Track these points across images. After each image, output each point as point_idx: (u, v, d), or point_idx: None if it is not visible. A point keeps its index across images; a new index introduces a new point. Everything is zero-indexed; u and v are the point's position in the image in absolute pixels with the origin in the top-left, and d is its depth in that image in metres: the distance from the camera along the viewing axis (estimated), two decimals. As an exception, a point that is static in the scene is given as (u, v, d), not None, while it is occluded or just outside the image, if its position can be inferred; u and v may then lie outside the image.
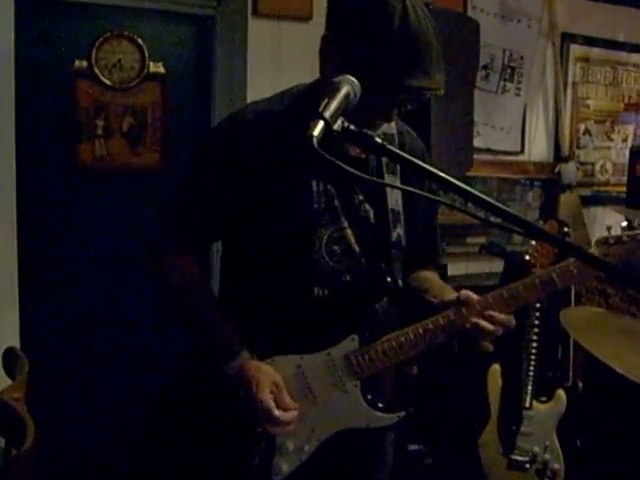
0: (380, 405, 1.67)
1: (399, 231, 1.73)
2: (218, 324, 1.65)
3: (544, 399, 2.93)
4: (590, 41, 4.23)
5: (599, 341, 2.33)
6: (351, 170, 1.17)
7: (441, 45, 1.52)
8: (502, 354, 2.90)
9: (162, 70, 3.33)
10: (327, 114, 1.22)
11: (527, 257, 2.94)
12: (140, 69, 3.27)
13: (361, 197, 1.67)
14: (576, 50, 4.20)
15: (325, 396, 1.65)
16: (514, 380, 2.92)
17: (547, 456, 2.86)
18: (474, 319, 1.59)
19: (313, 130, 1.18)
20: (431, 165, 1.61)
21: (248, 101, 3.31)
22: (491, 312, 1.60)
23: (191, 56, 3.40)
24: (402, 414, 1.67)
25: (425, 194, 1.44)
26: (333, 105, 1.24)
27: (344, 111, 1.26)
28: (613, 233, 1.63)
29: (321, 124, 1.20)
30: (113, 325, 3.30)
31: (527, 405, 2.87)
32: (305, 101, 1.61)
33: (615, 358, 2.18)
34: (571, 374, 3.15)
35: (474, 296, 1.63)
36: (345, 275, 1.66)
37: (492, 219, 1.24)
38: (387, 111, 1.56)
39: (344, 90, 1.29)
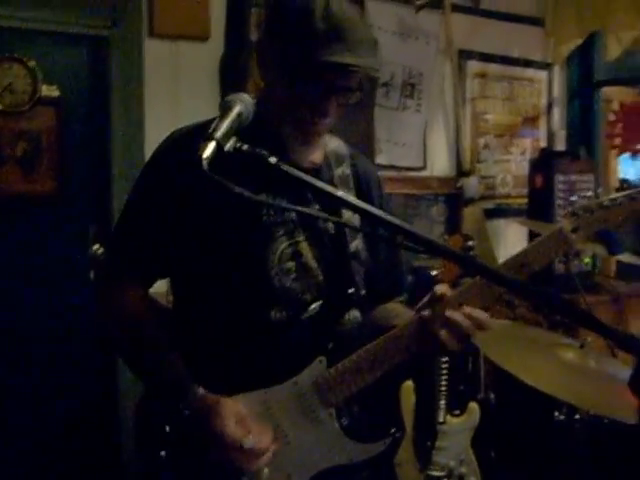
0: (361, 434, 1.57)
1: (357, 243, 1.68)
2: (166, 360, 1.55)
3: (457, 413, 3.01)
4: (486, 57, 4.41)
5: (508, 354, 2.42)
6: (246, 193, 1.18)
7: (373, 35, 1.55)
8: (414, 370, 2.98)
9: (56, 93, 3.30)
10: (218, 135, 1.23)
11: (434, 272, 3.01)
12: (32, 93, 3.23)
13: (317, 207, 1.61)
14: (473, 66, 4.37)
15: (298, 433, 1.53)
16: (427, 395, 2.99)
17: (463, 469, 2.94)
18: (452, 315, 1.48)
19: (203, 152, 1.19)
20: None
21: (146, 123, 3.31)
22: (469, 308, 1.50)
23: (86, 78, 3.39)
24: (388, 440, 1.59)
25: (349, 224, 1.51)
26: (224, 125, 1.26)
27: (236, 130, 1.27)
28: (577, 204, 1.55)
29: (212, 145, 1.21)
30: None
31: (441, 420, 2.94)
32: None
33: (524, 370, 2.27)
34: (482, 386, 3.23)
35: (449, 290, 1.53)
36: (304, 294, 1.58)
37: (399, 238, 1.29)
38: (323, 103, 1.51)
39: (236, 109, 1.30)
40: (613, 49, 4.55)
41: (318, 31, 1.47)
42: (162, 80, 3.38)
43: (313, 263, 1.60)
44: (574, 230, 1.49)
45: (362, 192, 1.71)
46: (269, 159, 1.27)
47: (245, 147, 1.27)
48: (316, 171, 1.62)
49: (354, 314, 1.65)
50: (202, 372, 1.52)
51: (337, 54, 1.45)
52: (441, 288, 1.52)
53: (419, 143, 4.19)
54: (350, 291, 1.63)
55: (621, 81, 4.93)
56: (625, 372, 2.40)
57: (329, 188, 1.33)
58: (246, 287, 1.55)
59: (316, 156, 1.65)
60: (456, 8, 4.14)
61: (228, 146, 1.24)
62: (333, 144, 1.72)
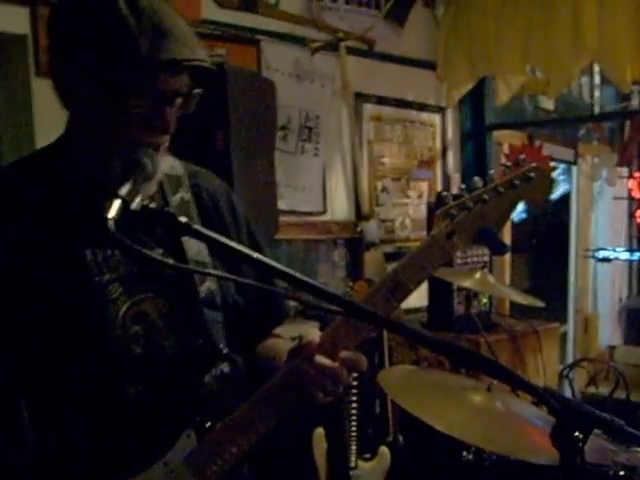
0: None
1: (209, 285, 1.47)
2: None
3: (368, 456, 3.01)
4: (382, 100, 4.51)
5: (416, 398, 2.43)
6: (154, 257, 1.12)
7: (189, 27, 1.37)
8: (324, 417, 2.96)
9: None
10: (123, 192, 1.16)
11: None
12: None
13: (161, 251, 1.41)
14: (369, 109, 4.45)
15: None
16: (338, 441, 2.98)
17: (377, 514, 2.94)
18: (321, 361, 1.34)
19: (108, 211, 1.10)
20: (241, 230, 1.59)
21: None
22: (343, 353, 1.36)
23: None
24: None
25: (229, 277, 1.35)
26: (131, 183, 1.19)
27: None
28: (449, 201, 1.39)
29: (117, 204, 1.13)
30: None
31: (353, 465, 2.93)
32: (51, 162, 1.41)
33: (433, 415, 2.28)
34: (391, 429, 3.25)
35: (317, 336, 1.37)
36: (157, 359, 1.38)
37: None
38: (159, 112, 1.31)
39: (142, 163, 1.25)
40: (503, 94, 4.73)
41: (131, 28, 1.25)
42: (52, 119, 3.27)
43: (161, 323, 1.40)
44: (450, 235, 1.33)
45: (209, 218, 1.51)
46: (179, 218, 1.18)
47: (152, 205, 1.18)
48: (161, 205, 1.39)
49: (220, 369, 1.46)
50: (69, 464, 1.38)
51: (163, 50, 1.26)
52: (311, 332, 1.38)
53: (318, 187, 4.23)
54: (209, 347, 1.44)
55: (510, 125, 5.13)
56: (530, 411, 2.46)
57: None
58: (91, 365, 1.34)
59: (148, 185, 1.41)
60: (351, 51, 4.22)
61: (135, 205, 1.15)
62: (166, 166, 1.45)
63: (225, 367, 1.48)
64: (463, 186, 1.38)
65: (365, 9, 4.38)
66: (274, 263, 1.17)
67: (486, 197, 1.32)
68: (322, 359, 1.33)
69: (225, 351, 1.48)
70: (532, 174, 1.36)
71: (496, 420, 2.32)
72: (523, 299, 3.24)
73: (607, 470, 2.26)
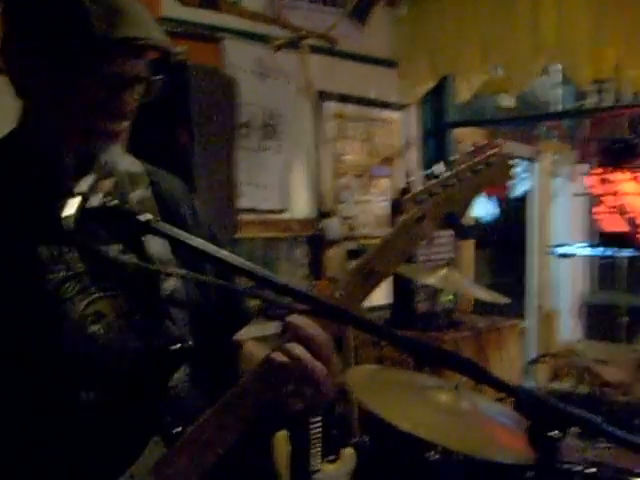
0: None
1: (173, 283, 1.40)
2: None
3: (332, 459, 3.00)
4: (344, 98, 4.50)
5: (382, 398, 2.44)
6: (112, 256, 1.09)
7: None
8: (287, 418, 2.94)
9: None
10: (82, 188, 1.12)
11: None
12: None
13: (120, 247, 1.34)
14: (331, 107, 4.44)
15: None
16: (301, 443, 2.96)
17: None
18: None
19: (64, 210, 1.07)
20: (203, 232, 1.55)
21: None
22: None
23: None
24: None
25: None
26: (90, 179, 1.15)
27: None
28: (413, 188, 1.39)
29: (76, 201, 1.10)
30: None
31: (316, 468, 2.92)
32: (1, 156, 1.34)
33: (399, 415, 2.29)
34: (356, 430, 3.25)
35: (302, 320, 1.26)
36: (117, 361, 1.29)
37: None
38: (115, 97, 1.26)
39: (102, 159, 1.21)
40: (463, 92, 4.76)
41: (85, 6, 1.20)
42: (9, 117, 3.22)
43: (121, 322, 1.31)
44: (419, 220, 1.34)
45: (170, 217, 1.41)
46: (139, 217, 1.15)
47: (113, 203, 1.14)
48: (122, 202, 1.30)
49: (185, 371, 1.37)
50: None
51: (120, 29, 1.20)
52: (294, 318, 1.26)
53: (280, 185, 4.21)
54: (173, 347, 1.36)
55: (471, 122, 5.16)
56: (496, 409, 2.48)
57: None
58: (44, 368, 1.23)
59: (106, 181, 1.36)
60: (314, 49, 4.22)
61: (95, 202, 1.11)
62: (125, 163, 1.41)
63: (192, 367, 1.39)
64: (428, 171, 1.40)
65: (327, 7, 4.39)
66: (238, 260, 1.14)
67: (452, 182, 1.36)
68: (300, 348, 1.23)
69: (192, 349, 1.39)
70: (493, 160, 1.41)
71: (462, 419, 2.33)
72: (487, 296, 3.27)
73: (576, 467, 2.28)
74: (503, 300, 3.29)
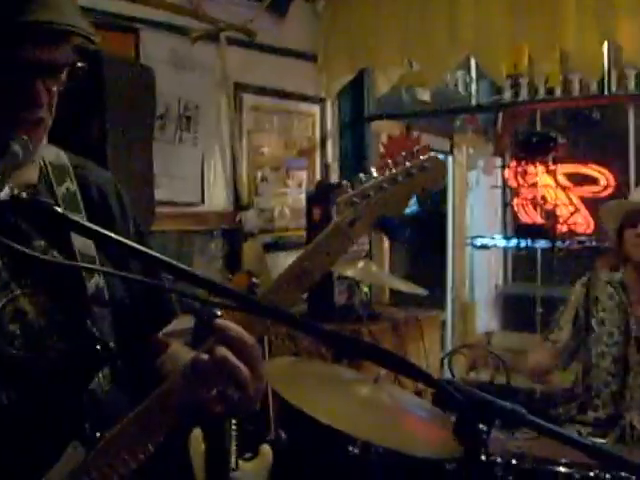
0: None
1: (98, 281, 1.35)
2: None
3: (249, 456, 2.97)
4: (262, 91, 4.49)
5: (300, 391, 2.43)
6: (25, 252, 1.05)
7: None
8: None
9: None
10: None
11: (219, 312, 2.96)
12: None
13: (43, 243, 1.29)
14: (249, 99, 4.42)
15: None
16: (217, 442, 2.92)
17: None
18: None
19: None
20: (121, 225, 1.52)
21: None
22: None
23: None
24: None
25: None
26: None
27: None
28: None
29: None
30: None
31: (233, 466, 2.88)
32: None
33: (318, 408, 2.29)
34: (273, 425, 3.23)
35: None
36: (36, 362, 1.24)
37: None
38: (30, 85, 1.21)
39: (12, 149, 1.16)
40: (381, 85, 4.80)
41: None
42: None
43: (42, 321, 1.26)
44: (352, 222, 1.35)
45: (96, 210, 1.41)
46: (55, 208, 1.12)
47: (24, 195, 1.10)
48: (32, 194, 1.24)
49: (106, 373, 1.33)
50: None
51: (33, 13, 1.15)
52: (222, 322, 1.23)
53: (196, 177, 4.17)
54: (95, 348, 1.31)
55: (388, 116, 5.21)
56: (415, 402, 2.50)
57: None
58: None
59: (30, 173, 1.33)
60: (232, 41, 4.20)
61: (3, 194, 1.08)
62: (50, 155, 1.38)
63: (115, 368, 1.35)
64: (361, 175, 1.41)
65: (246, 0, 4.35)
66: (163, 257, 1.12)
67: (385, 185, 1.37)
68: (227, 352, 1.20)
69: (115, 350, 1.35)
70: (427, 164, 1.43)
71: (382, 412, 2.35)
72: (405, 287, 3.30)
73: (497, 459, 2.32)
74: (421, 291, 3.33)
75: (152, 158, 3.50)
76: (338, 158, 5.05)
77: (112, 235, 1.15)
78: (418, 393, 2.76)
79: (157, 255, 1.13)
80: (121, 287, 1.42)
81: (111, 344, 1.34)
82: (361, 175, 1.40)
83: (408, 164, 1.38)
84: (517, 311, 6.29)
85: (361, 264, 3.26)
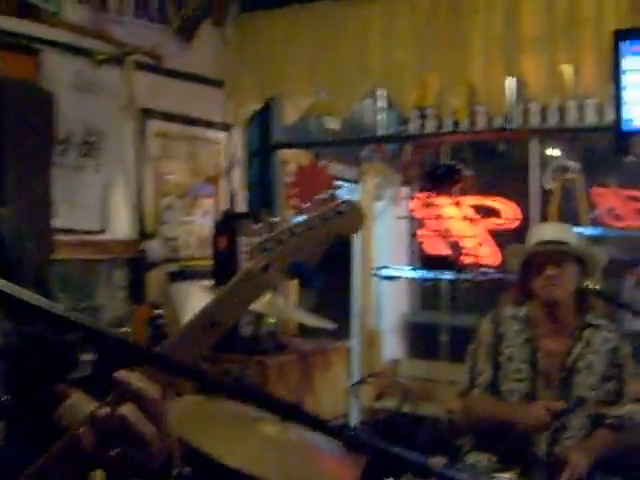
0: None
1: None
2: None
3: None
4: (168, 117, 4.43)
5: (205, 433, 2.36)
6: None
7: None
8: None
9: None
10: None
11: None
12: None
13: None
14: (155, 125, 4.35)
15: None
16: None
17: None
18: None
19: None
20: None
21: None
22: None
23: None
24: None
25: None
26: None
27: None
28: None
29: None
30: None
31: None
32: None
33: (225, 450, 2.22)
34: (177, 461, 3.12)
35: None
36: None
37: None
38: None
39: None
40: (290, 114, 4.80)
41: None
42: None
43: None
44: (265, 269, 1.28)
45: None
46: None
47: None
48: None
49: (0, 428, 1.26)
50: None
51: None
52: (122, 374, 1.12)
53: (99, 205, 4.05)
54: None
55: (296, 145, 5.21)
56: (325, 440, 2.46)
57: None
58: None
59: None
60: (138, 65, 4.13)
61: None
62: None
63: (10, 422, 1.28)
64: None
65: (154, 24, 4.33)
66: (62, 310, 1.04)
67: (299, 230, 1.32)
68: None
69: (9, 403, 1.27)
70: (343, 209, 1.38)
71: (289, 451, 2.30)
72: (312, 321, 3.26)
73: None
74: (329, 325, 3.30)
75: (50, 184, 3.39)
76: (245, 187, 5.01)
77: (15, 290, 1.03)
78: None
79: (56, 309, 1.04)
80: (19, 339, 1.32)
81: (4, 398, 1.26)
82: (274, 219, 1.36)
83: (324, 208, 1.34)
84: (423, 339, 6.33)
85: (267, 297, 3.20)
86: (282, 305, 3.28)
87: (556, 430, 2.92)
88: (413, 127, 4.86)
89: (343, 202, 1.35)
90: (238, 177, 4.97)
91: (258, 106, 4.80)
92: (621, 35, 3.47)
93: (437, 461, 2.90)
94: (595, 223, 5.13)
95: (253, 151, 5.05)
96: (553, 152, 4.91)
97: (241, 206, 4.90)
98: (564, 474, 2.73)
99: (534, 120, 4.37)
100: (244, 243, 4.05)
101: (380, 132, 5.06)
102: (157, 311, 3.19)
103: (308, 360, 4.20)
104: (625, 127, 3.49)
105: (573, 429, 2.93)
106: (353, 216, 1.37)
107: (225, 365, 3.86)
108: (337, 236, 1.37)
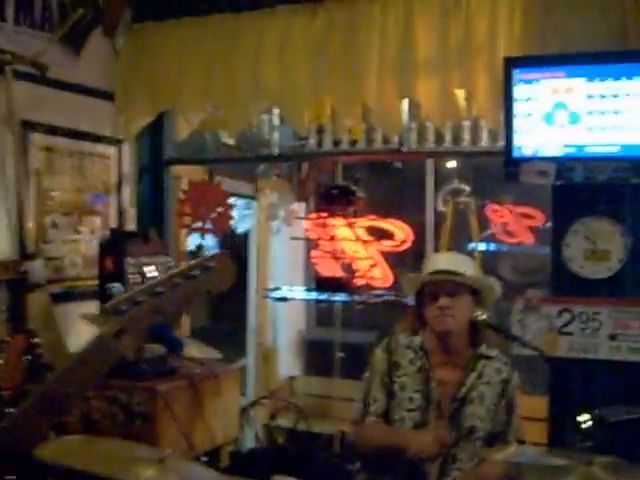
0: None
1: None
2: None
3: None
4: (54, 130, 4.26)
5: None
6: None
7: None
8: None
9: None
10: None
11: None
12: None
13: None
14: (39, 139, 4.16)
15: None
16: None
17: None
18: None
19: None
20: None
21: None
22: None
23: None
24: None
25: None
26: None
27: None
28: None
29: None
30: None
31: None
32: None
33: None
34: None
35: None
36: None
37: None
38: None
39: None
40: (182, 129, 4.70)
41: None
42: None
43: None
44: (118, 334, 1.22)
45: None
46: None
47: None
48: None
49: None
50: None
51: None
52: None
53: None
54: None
55: (189, 161, 5.09)
56: (211, 477, 2.36)
57: None
58: None
59: None
60: (20, 75, 3.93)
61: None
62: None
63: None
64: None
65: (37, 31, 4.13)
66: None
67: (161, 290, 1.18)
68: None
69: None
70: (211, 263, 1.26)
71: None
72: (200, 352, 3.15)
73: None
74: (216, 355, 3.20)
75: None
76: (135, 203, 4.85)
77: None
78: (217, 468, 2.62)
79: None
80: None
81: None
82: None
83: (189, 264, 1.23)
84: (319, 356, 6.33)
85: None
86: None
87: (445, 461, 2.92)
88: (310, 145, 4.81)
89: (213, 256, 1.25)
90: (128, 194, 4.82)
91: (149, 120, 4.67)
92: (512, 62, 3.49)
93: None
94: (488, 241, 5.23)
95: (144, 166, 4.90)
96: (447, 173, 4.97)
97: (131, 224, 4.75)
98: None
99: (429, 142, 4.38)
100: (131, 264, 3.89)
101: (276, 148, 4.99)
102: (34, 340, 3.01)
103: (198, 386, 4.07)
104: (515, 154, 3.52)
105: (462, 460, 2.93)
106: (223, 271, 1.26)
107: (112, 392, 3.71)
108: (205, 294, 1.27)
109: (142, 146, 4.88)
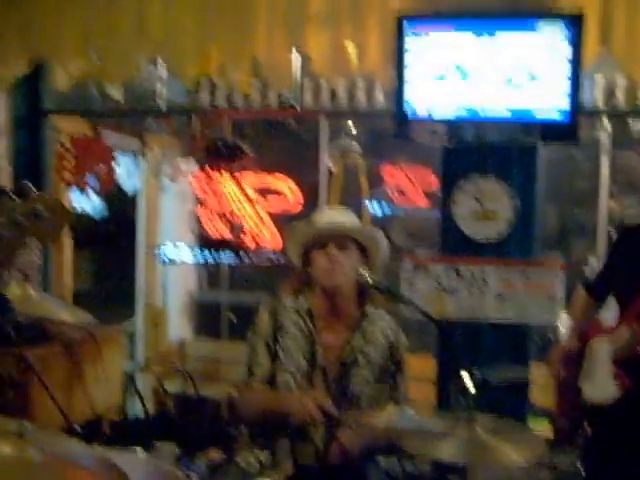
0: None
1: None
2: None
3: None
4: None
5: None
6: None
7: None
8: None
9: None
10: None
11: None
12: None
13: None
14: None
15: None
16: None
17: None
18: None
19: None
20: None
21: None
22: None
23: None
24: None
25: None
26: None
27: None
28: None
29: None
30: None
31: None
32: None
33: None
34: None
35: None
36: None
37: None
38: None
39: None
40: (61, 79, 4.45)
41: None
42: None
43: None
44: None
45: None
46: None
47: None
48: None
49: None
50: None
51: None
52: None
53: None
54: None
55: (70, 112, 4.85)
56: (79, 450, 2.22)
57: None
58: None
59: None
60: None
61: None
62: None
63: None
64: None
65: None
66: None
67: None
68: None
69: None
70: (42, 210, 1.10)
71: (31, 472, 2.02)
72: (71, 316, 2.97)
73: None
74: (87, 318, 3.03)
75: None
76: (12, 158, 4.58)
77: None
78: (87, 440, 2.46)
79: None
80: None
81: None
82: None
83: (17, 209, 1.08)
84: (209, 318, 6.25)
85: (17, 290, 2.87)
86: (34, 298, 2.97)
87: (331, 425, 2.86)
88: (202, 97, 4.64)
89: (44, 200, 1.10)
90: (2, 148, 4.54)
91: (25, 70, 4.40)
92: (404, 17, 3.41)
93: (213, 455, 2.78)
94: (378, 200, 5.19)
95: (20, 119, 4.63)
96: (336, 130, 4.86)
97: (6, 180, 4.48)
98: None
99: (324, 100, 4.28)
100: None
101: (164, 102, 4.79)
102: None
103: (77, 351, 3.88)
104: (408, 113, 3.45)
105: (348, 424, 2.87)
106: (54, 219, 1.12)
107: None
108: (41, 240, 1.13)
109: (18, 97, 4.60)
